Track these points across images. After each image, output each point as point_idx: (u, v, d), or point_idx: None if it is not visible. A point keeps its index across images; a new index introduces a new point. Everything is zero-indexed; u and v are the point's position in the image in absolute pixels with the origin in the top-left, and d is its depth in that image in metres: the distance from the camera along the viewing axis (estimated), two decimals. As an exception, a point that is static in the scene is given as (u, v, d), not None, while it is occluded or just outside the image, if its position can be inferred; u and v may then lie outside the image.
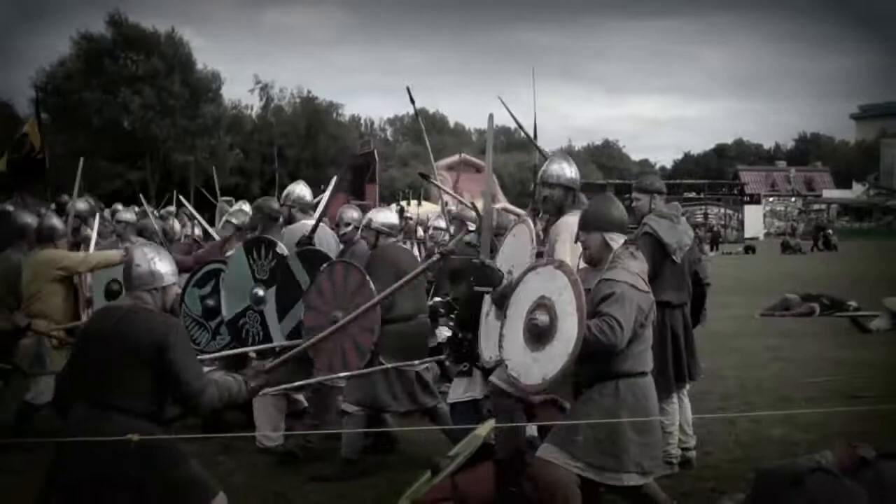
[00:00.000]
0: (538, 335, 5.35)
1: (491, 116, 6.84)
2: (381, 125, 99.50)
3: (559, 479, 5.35)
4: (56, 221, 9.22)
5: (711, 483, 7.03)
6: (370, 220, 8.24)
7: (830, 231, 52.13)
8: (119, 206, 15.69)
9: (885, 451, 5.87)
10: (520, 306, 5.60)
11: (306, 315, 7.68)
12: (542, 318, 5.33)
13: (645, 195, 7.59)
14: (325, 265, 7.71)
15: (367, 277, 7.40)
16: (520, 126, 8.11)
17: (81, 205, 12.38)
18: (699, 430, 8.18)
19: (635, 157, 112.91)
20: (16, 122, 58.46)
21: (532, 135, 9.76)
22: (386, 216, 8.46)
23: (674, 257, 7.37)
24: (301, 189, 9.57)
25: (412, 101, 10.80)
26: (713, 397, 10.24)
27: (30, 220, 9.26)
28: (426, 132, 11.64)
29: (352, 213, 9.35)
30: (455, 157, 62.88)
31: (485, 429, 6.66)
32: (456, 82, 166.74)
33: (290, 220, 9.16)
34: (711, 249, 48.21)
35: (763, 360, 12.85)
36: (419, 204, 23.42)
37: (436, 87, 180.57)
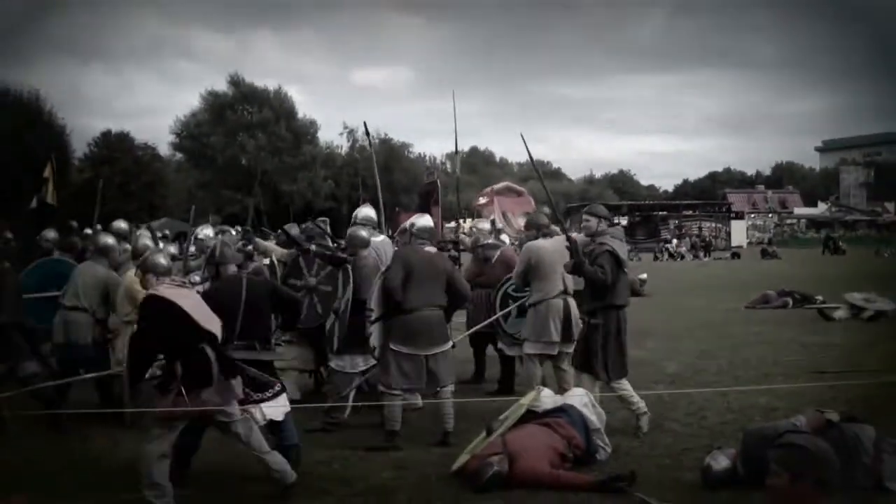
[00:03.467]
0: None
1: None
2: (443, 159, 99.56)
3: None
4: (149, 241, 8.69)
5: (707, 440, 6.98)
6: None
7: (839, 239, 51.72)
8: (227, 227, 14.28)
9: (846, 415, 5.94)
10: None
11: None
12: None
13: (594, 218, 7.38)
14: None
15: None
16: (530, 156, 7.94)
17: (122, 225, 11.12)
18: (699, 399, 8.18)
19: (644, 182, 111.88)
20: (158, 160, 59.61)
21: (531, 158, 9.62)
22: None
23: (625, 269, 7.30)
24: (366, 210, 9.03)
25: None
26: (709, 374, 10.20)
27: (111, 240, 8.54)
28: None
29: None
30: (500, 184, 63.07)
31: (528, 398, 6.71)
32: (501, 125, 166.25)
33: None
34: (705, 256, 49.29)
35: (748, 343, 12.71)
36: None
37: (485, 129, 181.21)
